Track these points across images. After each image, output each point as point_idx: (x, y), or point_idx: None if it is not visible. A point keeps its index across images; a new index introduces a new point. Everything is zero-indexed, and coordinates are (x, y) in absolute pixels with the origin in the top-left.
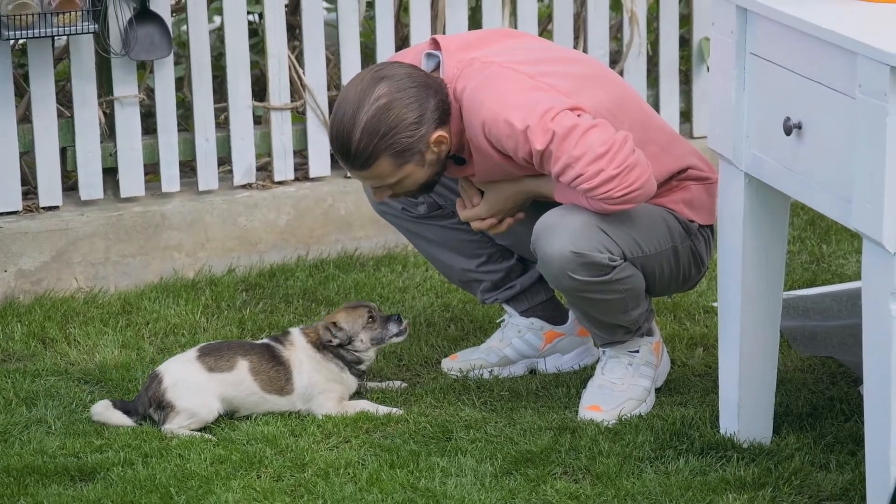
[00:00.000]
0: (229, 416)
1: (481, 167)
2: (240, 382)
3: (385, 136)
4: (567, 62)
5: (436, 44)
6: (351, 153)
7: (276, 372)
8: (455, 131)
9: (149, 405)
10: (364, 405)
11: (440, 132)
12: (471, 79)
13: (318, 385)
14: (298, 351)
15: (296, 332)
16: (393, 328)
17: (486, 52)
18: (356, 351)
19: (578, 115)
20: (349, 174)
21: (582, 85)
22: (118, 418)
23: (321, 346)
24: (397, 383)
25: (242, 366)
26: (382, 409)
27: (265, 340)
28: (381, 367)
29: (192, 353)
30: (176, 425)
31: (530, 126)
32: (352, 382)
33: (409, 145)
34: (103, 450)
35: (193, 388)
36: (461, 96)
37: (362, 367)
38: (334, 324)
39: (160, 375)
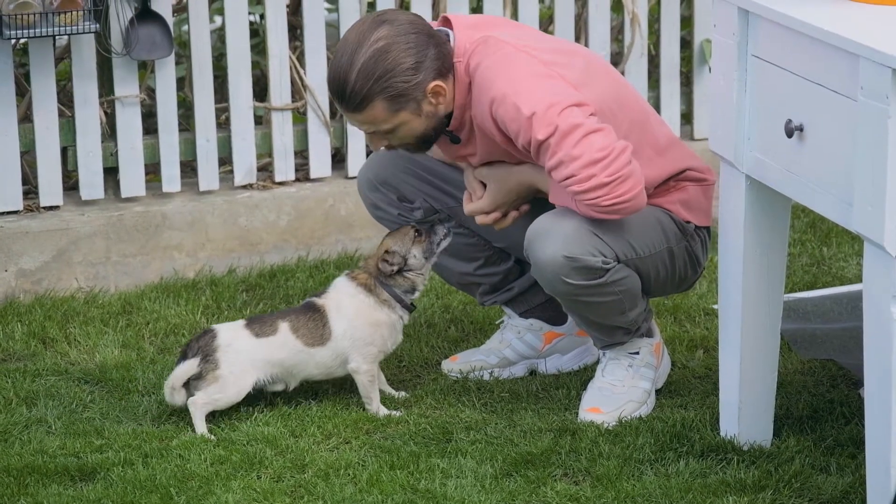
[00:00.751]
0: (284, 390)
1: (482, 147)
2: (283, 344)
3: (380, 78)
4: (572, 54)
5: (446, 21)
6: (346, 94)
7: (313, 323)
8: (459, 104)
9: (196, 353)
10: (377, 403)
11: (438, 82)
12: (486, 55)
13: (359, 332)
14: (340, 295)
15: (341, 280)
16: (440, 233)
17: (499, 33)
18: (412, 270)
19: (589, 115)
20: (347, 120)
21: (588, 78)
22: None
23: (376, 283)
24: (402, 394)
25: (283, 327)
26: (383, 412)
27: (308, 299)
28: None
29: (240, 322)
30: (204, 398)
31: (536, 114)
32: (399, 327)
33: (404, 91)
34: (103, 450)
35: (242, 355)
36: (474, 71)
37: (416, 294)
38: (387, 251)
39: (215, 332)
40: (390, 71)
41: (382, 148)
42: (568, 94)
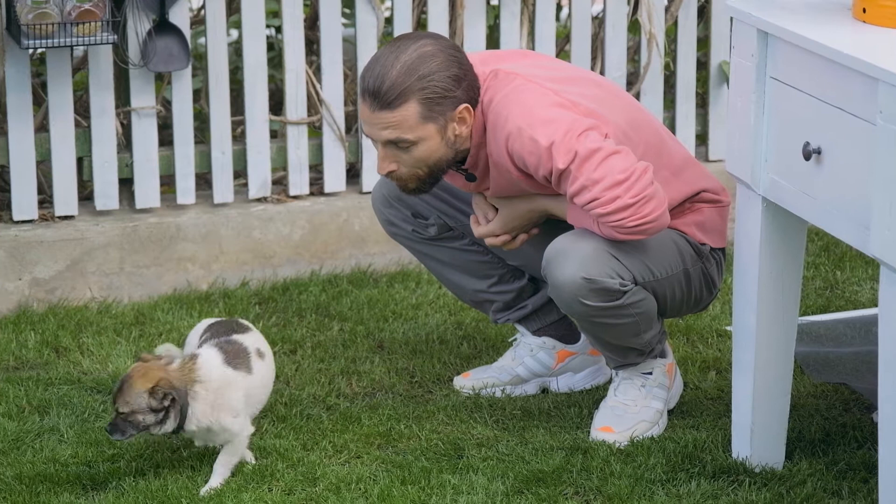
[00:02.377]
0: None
1: (497, 183)
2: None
3: (423, 77)
4: (583, 82)
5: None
6: (383, 88)
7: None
8: (475, 143)
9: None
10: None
11: (468, 105)
12: (497, 90)
13: None
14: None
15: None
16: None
17: (507, 66)
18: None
19: (605, 138)
20: (365, 128)
21: (600, 104)
22: None
23: None
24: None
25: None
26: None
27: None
28: (393, 382)
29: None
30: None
31: (555, 142)
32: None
33: (441, 98)
34: (115, 459)
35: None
36: (487, 108)
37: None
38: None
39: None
40: (434, 73)
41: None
42: (582, 119)
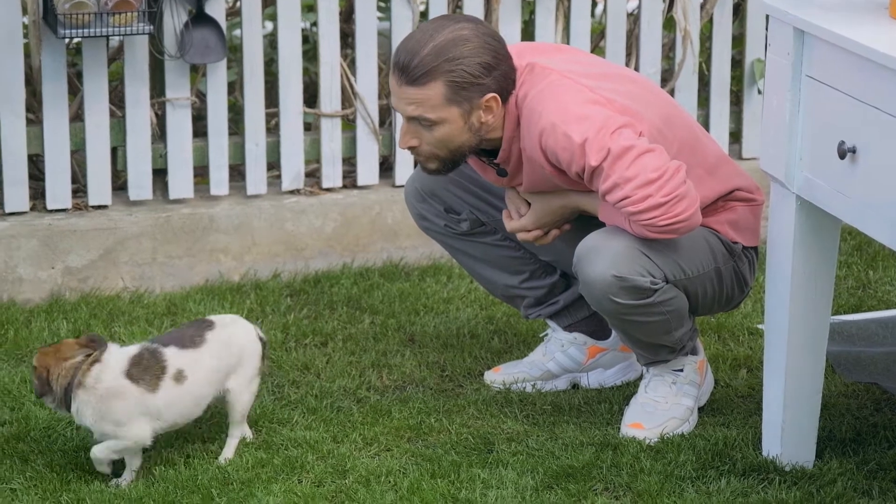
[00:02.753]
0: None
1: (530, 178)
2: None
3: (452, 60)
4: (618, 79)
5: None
6: (412, 64)
7: None
8: (508, 136)
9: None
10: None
11: (496, 96)
12: (532, 85)
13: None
14: None
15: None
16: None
17: (543, 60)
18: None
19: (639, 136)
20: (392, 99)
21: (634, 100)
22: None
23: None
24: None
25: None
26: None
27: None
28: (424, 376)
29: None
30: None
31: (588, 139)
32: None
33: (467, 84)
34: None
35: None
36: (522, 102)
37: None
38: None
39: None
40: (465, 57)
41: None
42: (616, 117)
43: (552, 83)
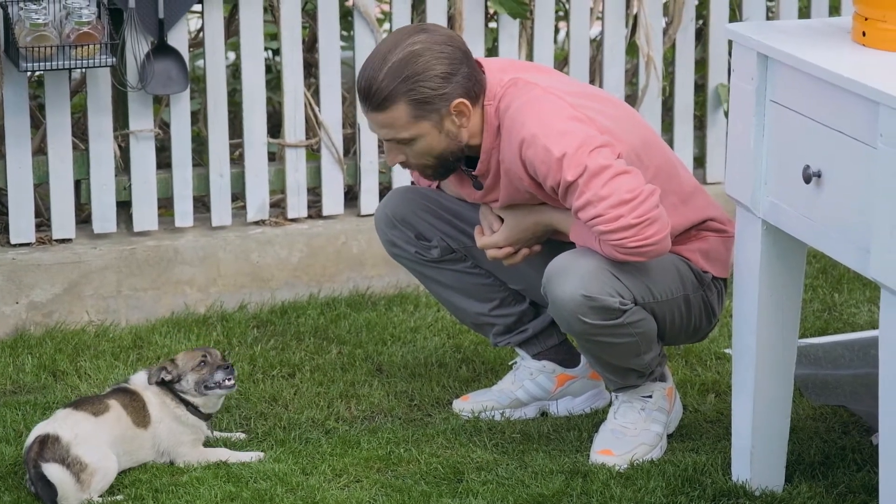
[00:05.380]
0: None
1: (507, 191)
2: (118, 419)
3: (408, 79)
4: (601, 100)
5: (478, 65)
6: (372, 90)
7: (136, 402)
8: (487, 148)
9: (36, 471)
10: (222, 453)
11: (464, 100)
12: (516, 97)
13: (167, 425)
14: (145, 388)
15: (139, 374)
16: (219, 376)
17: (528, 76)
18: (182, 392)
19: (617, 157)
20: (368, 123)
21: (615, 123)
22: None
23: (160, 383)
24: (239, 435)
25: (114, 404)
26: (239, 456)
27: (112, 387)
28: (392, 406)
29: (65, 409)
30: (97, 489)
31: (567, 154)
32: (201, 425)
33: (430, 98)
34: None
35: (92, 438)
36: (504, 113)
37: (202, 409)
38: (172, 360)
39: (54, 434)
40: (419, 74)
41: (399, 182)
42: (596, 135)
43: (536, 97)
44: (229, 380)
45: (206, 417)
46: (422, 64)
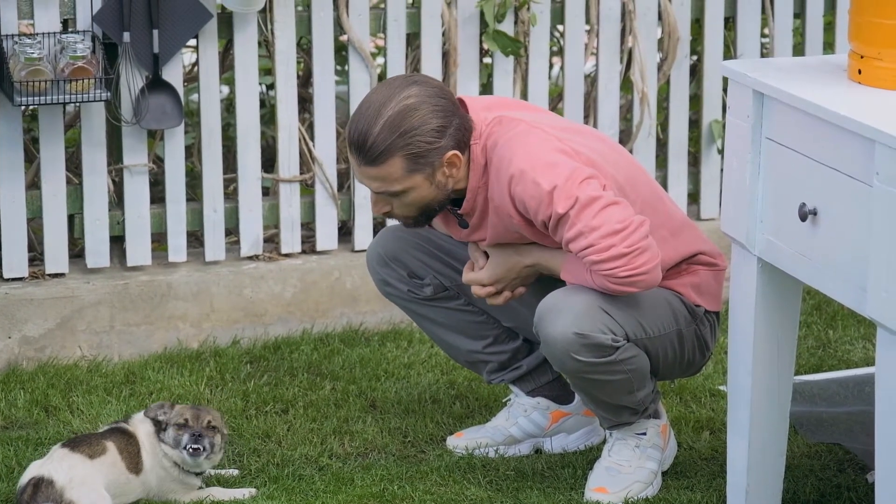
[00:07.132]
0: None
1: (495, 229)
2: (114, 464)
3: (405, 134)
4: (587, 135)
5: (461, 103)
6: (366, 145)
7: (132, 446)
8: (473, 187)
9: None
10: (215, 492)
11: (456, 152)
12: (501, 134)
13: (157, 474)
14: (141, 422)
15: (140, 414)
16: (185, 439)
17: (512, 113)
18: (163, 441)
19: (604, 188)
20: (357, 175)
21: (600, 157)
22: None
23: (155, 422)
24: (232, 471)
25: (111, 447)
26: (232, 493)
27: (110, 425)
28: (386, 442)
29: (62, 449)
30: None
31: (557, 186)
32: (189, 479)
33: (425, 152)
34: None
35: (87, 482)
36: (491, 151)
37: (180, 465)
38: (172, 405)
39: (48, 478)
40: (416, 128)
41: (392, 221)
42: (583, 168)
43: (522, 132)
44: (195, 448)
45: (196, 472)
46: (418, 118)
